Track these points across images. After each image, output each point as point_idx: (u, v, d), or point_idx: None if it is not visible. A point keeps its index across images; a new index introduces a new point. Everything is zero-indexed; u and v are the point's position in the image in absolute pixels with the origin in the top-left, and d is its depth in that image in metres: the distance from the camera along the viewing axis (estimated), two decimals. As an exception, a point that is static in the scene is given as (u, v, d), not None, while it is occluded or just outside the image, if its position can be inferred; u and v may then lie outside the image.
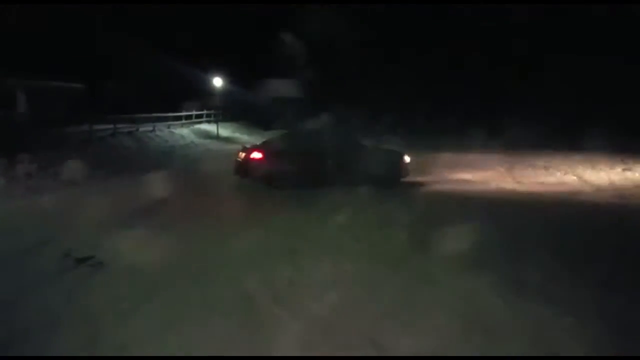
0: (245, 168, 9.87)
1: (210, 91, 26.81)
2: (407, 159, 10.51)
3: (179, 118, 24.25)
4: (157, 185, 10.05)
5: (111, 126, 17.83)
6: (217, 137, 23.73)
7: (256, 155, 9.76)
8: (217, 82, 25.81)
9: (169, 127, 22.50)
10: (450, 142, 18.41)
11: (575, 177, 11.48)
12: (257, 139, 25.38)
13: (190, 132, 23.45)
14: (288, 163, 9.60)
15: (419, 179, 11.10)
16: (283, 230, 6.45)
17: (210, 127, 25.54)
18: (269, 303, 3.95)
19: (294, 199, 8.73)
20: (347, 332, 3.46)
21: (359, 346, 3.26)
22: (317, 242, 5.80)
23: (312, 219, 7.04)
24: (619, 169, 12.47)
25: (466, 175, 11.92)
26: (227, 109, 28.83)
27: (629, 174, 11.77)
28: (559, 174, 12.11)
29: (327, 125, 16.20)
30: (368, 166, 9.58)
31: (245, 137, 26.10)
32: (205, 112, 26.95)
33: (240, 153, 10.20)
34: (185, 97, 26.38)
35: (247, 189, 10.00)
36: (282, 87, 32.01)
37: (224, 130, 25.51)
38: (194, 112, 25.91)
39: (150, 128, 20.61)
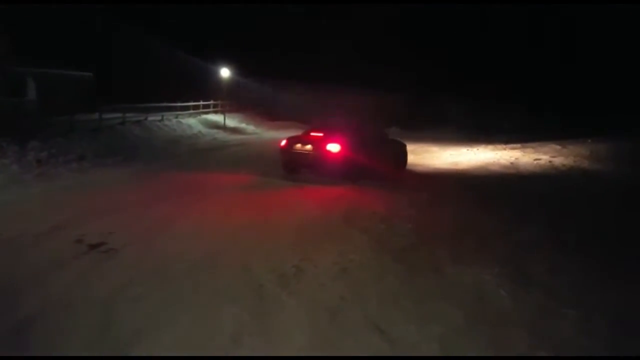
0: (297, 159, 9.13)
1: (218, 81, 26.80)
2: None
3: (186, 108, 24.31)
4: (164, 175, 10.16)
5: (120, 115, 17.94)
6: (224, 127, 23.79)
7: (332, 147, 8.74)
8: (225, 72, 25.77)
9: (177, 116, 22.59)
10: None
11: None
12: (264, 130, 25.55)
13: (198, 122, 23.52)
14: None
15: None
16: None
17: (218, 118, 25.58)
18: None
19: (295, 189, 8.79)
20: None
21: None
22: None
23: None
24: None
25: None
26: (235, 99, 28.83)
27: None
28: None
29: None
30: (391, 156, 10.16)
31: (252, 127, 26.16)
32: (212, 102, 27.00)
33: (296, 145, 9.28)
34: (193, 87, 26.45)
35: (254, 182, 10.10)
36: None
37: (231, 121, 25.56)
38: (202, 103, 25.97)
39: (159, 118, 20.70)
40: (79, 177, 9.71)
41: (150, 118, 20.05)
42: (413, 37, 28.99)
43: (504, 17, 27.25)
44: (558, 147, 15.95)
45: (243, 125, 26.01)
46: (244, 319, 3.58)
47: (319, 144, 8.99)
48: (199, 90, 26.58)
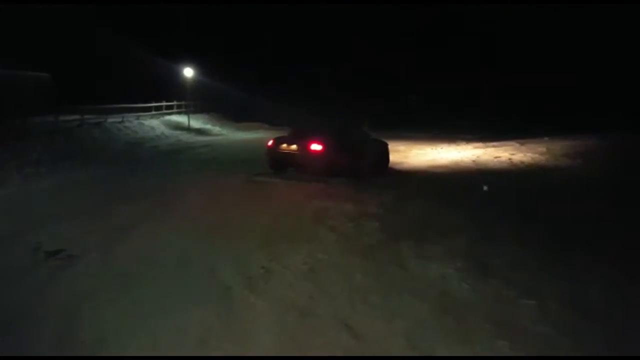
0: (284, 159, 9.67)
1: (181, 82, 26.30)
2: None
3: (148, 109, 23.77)
4: (123, 180, 9.91)
5: (78, 117, 17.36)
6: (189, 129, 23.39)
7: (315, 147, 9.30)
8: (188, 72, 25.29)
9: (138, 118, 22.05)
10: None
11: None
12: (230, 131, 25.25)
13: (161, 123, 23.04)
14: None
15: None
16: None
17: (181, 119, 25.12)
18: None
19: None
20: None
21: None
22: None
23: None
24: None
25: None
26: (199, 100, 28.39)
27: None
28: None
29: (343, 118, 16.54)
30: (372, 155, 10.25)
31: (217, 128, 25.83)
32: (176, 103, 26.49)
33: (282, 145, 9.77)
34: (156, 87, 25.87)
35: (214, 179, 9.98)
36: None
37: (195, 122, 25.15)
38: (165, 103, 25.44)
39: (119, 119, 20.16)
40: (32, 183, 9.34)
41: (111, 119, 19.50)
42: (380, 38, 29.35)
43: (472, 17, 27.72)
44: (518, 145, 16.53)
45: (208, 127, 25.64)
46: (211, 322, 3.54)
47: (304, 144, 9.48)
48: (162, 90, 26.03)
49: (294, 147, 9.65)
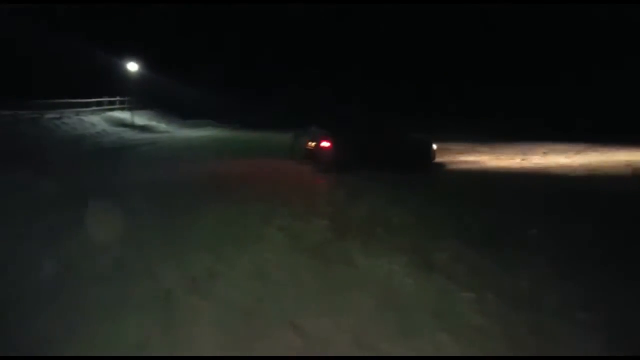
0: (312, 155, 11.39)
1: (124, 77, 25.28)
2: (434, 146, 12.21)
3: (89, 105, 22.70)
4: (58, 183, 9.38)
5: (11, 112, 16.29)
6: (132, 126, 22.55)
7: (324, 144, 11.12)
8: (132, 67, 24.33)
9: (78, 114, 21.01)
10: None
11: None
12: (176, 129, 24.55)
13: (102, 120, 22.08)
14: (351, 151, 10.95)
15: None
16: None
17: (124, 115, 24.19)
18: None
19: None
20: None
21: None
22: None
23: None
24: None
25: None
26: (144, 96, 27.42)
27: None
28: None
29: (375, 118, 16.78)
30: (402, 154, 11.33)
31: (163, 125, 25.10)
32: (119, 99, 25.44)
33: (307, 142, 11.72)
34: (97, 82, 24.72)
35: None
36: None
37: (140, 119, 24.29)
38: (107, 99, 24.37)
39: (58, 115, 19.11)
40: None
41: (48, 116, 18.46)
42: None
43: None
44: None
45: (154, 124, 24.85)
46: (151, 328, 3.42)
47: (318, 141, 11.21)
48: (106, 85, 24.91)
49: (313, 144, 11.45)
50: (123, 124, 22.34)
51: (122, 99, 25.52)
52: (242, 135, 21.27)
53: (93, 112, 22.45)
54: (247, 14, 30.95)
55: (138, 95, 26.13)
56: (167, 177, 10.00)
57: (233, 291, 4.06)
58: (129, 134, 20.33)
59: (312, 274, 4.47)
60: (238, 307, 3.77)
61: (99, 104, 23.46)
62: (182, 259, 4.79)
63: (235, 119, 25.84)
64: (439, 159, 12.77)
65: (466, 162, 13.20)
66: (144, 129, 22.59)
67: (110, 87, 24.98)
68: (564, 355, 3.16)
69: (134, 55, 24.50)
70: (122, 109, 25.13)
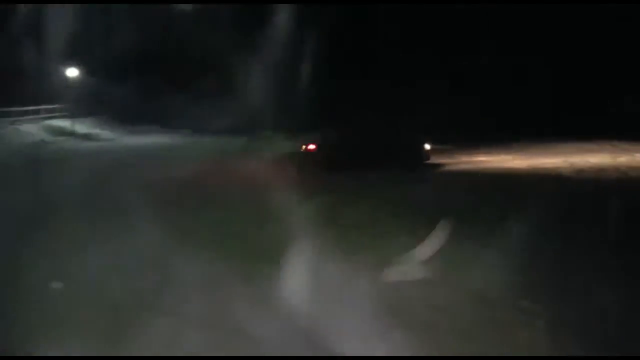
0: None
1: (64, 82, 24.19)
2: (427, 146, 12.90)
3: (26, 113, 21.60)
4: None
5: None
6: (73, 134, 21.64)
7: (311, 147, 12.67)
8: (72, 72, 23.33)
9: (13, 123, 19.95)
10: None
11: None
12: (121, 136, 23.72)
13: (41, 128, 21.07)
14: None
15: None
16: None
17: (65, 123, 23.15)
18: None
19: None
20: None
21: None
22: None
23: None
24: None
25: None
26: (87, 103, 26.34)
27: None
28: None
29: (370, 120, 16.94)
30: (395, 154, 12.11)
31: (107, 133, 24.22)
32: (58, 106, 24.32)
33: (302, 146, 12.85)
34: (35, 89, 23.52)
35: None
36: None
37: (81, 126, 23.33)
38: (44, 107, 23.27)
39: (-11, 125, 18.10)
40: None
41: (-23, 126, 17.44)
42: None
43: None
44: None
45: (97, 131, 23.93)
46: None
47: (310, 144, 12.71)
48: (42, 92, 23.71)
49: (311, 146, 12.73)
50: (63, 133, 21.40)
51: (61, 106, 24.42)
52: (192, 141, 20.85)
53: (31, 121, 21.41)
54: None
55: (80, 102, 25.09)
56: (105, 190, 9.64)
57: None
58: (70, 143, 19.51)
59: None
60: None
61: (36, 111, 22.37)
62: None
63: (187, 124, 25.14)
64: (440, 160, 13.44)
65: (466, 163, 13.62)
66: (87, 137, 21.74)
67: (50, 94, 23.84)
68: (564, 355, 3.15)
69: (75, 60, 23.52)
70: (63, 117, 24.05)
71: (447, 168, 12.82)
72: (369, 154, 12.11)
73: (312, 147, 12.64)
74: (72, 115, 23.66)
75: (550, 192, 8.39)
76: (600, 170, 10.85)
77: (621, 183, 9.52)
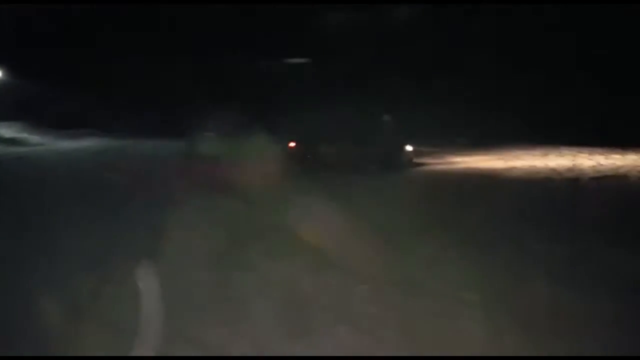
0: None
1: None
2: (409, 147, 13.42)
3: None
4: None
5: None
6: (-3, 139, 20.03)
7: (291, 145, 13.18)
8: (-6, 73, 21.59)
9: None
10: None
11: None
12: (52, 140, 22.19)
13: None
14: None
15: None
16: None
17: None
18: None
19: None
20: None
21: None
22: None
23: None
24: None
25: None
26: (11, 105, 24.42)
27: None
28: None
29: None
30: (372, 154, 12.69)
31: (36, 137, 22.62)
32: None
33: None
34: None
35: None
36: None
37: (6, 131, 21.67)
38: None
39: None
40: None
41: None
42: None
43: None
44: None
45: (24, 136, 22.30)
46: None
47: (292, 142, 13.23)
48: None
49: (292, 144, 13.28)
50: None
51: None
52: (130, 144, 19.91)
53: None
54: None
55: (6, 105, 23.21)
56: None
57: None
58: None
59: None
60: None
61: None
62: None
63: (124, 126, 23.89)
64: (425, 160, 14.28)
65: (449, 163, 14.40)
66: (12, 142, 20.20)
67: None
68: (564, 355, 3.16)
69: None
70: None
71: (425, 168, 13.48)
72: (346, 154, 12.62)
73: (292, 144, 13.12)
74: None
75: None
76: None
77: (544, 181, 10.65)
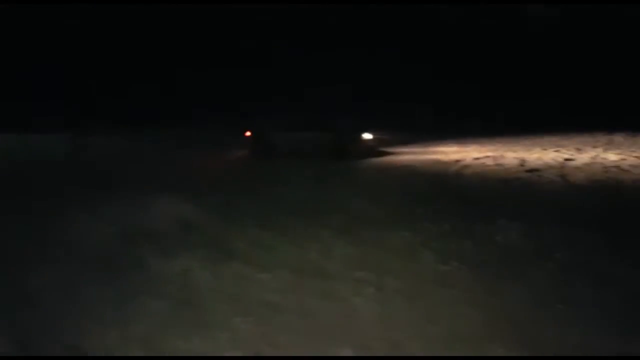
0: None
1: None
2: (367, 136, 13.19)
3: None
4: None
5: None
6: None
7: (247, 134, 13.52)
8: None
9: None
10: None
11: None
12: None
13: None
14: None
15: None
16: None
17: None
18: None
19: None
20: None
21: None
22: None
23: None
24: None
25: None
26: None
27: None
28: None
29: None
30: (320, 145, 12.68)
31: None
32: None
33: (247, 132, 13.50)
34: None
35: None
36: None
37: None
38: None
39: None
40: None
41: None
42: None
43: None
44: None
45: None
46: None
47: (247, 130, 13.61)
48: None
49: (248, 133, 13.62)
50: None
51: None
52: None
53: None
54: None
55: None
56: None
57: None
58: None
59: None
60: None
61: None
62: None
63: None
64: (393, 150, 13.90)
65: (410, 154, 13.88)
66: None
67: None
68: (563, 355, 3.19)
69: None
70: None
71: (379, 159, 12.92)
72: (297, 143, 12.73)
73: (247, 133, 13.48)
74: None
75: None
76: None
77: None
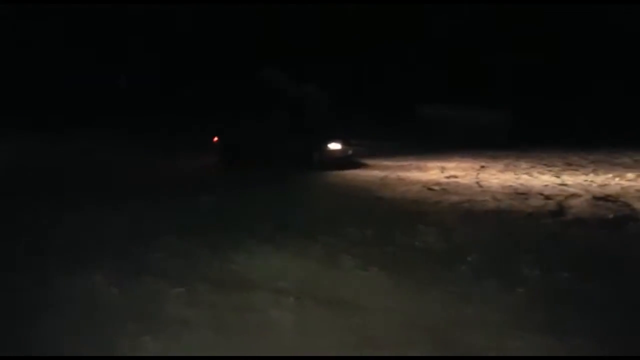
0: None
1: None
2: (335, 146, 12.00)
3: None
4: None
5: None
6: None
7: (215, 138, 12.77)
8: None
9: None
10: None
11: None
12: None
13: None
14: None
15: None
16: None
17: None
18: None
19: None
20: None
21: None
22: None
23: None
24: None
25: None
26: None
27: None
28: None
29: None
30: (290, 153, 11.82)
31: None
32: None
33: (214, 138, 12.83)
34: None
35: None
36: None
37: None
38: None
39: None
40: None
41: None
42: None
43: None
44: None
45: None
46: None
47: (215, 136, 12.87)
48: None
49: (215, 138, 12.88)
50: None
51: None
52: None
53: None
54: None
55: None
56: None
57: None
58: None
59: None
60: None
61: None
62: None
63: None
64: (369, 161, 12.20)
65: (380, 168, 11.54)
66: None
67: None
68: (563, 355, 3.14)
69: None
70: None
71: (345, 172, 11.10)
72: (260, 151, 12.14)
73: (215, 139, 12.81)
74: None
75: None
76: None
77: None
